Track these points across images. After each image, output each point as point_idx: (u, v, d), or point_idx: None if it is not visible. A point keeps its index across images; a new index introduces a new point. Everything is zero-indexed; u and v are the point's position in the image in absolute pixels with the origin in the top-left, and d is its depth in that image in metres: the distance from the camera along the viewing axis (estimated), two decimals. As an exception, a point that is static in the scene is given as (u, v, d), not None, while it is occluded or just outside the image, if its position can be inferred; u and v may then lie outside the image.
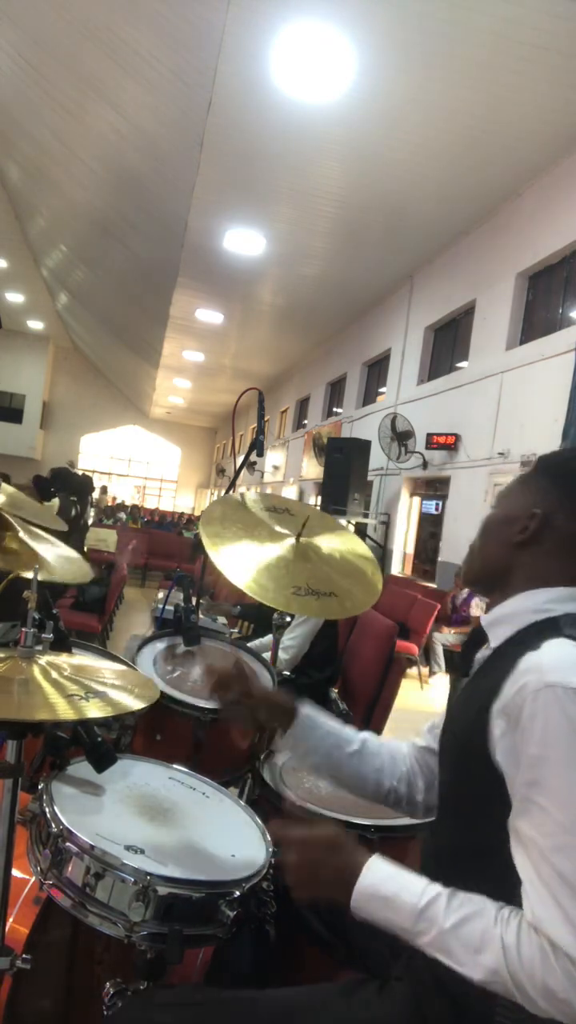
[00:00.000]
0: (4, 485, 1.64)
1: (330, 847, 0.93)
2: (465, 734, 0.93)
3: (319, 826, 0.97)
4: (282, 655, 2.85)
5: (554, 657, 0.85)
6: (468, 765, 0.93)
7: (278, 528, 1.84)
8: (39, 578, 1.10)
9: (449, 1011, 0.88)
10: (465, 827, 0.94)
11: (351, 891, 0.88)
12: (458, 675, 1.08)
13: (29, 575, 1.11)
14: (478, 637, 1.03)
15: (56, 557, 1.60)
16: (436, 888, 0.86)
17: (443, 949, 0.81)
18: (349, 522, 9.74)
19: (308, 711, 1.20)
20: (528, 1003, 0.76)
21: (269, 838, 1.18)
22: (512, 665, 0.88)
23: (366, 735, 1.22)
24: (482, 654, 1.02)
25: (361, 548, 2.01)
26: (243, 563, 1.65)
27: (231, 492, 2.01)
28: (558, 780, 0.79)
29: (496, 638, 0.98)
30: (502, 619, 0.98)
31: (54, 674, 1.04)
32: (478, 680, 0.98)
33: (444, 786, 1.05)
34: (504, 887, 0.84)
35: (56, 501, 5.91)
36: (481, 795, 0.90)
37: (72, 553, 1.70)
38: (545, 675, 0.83)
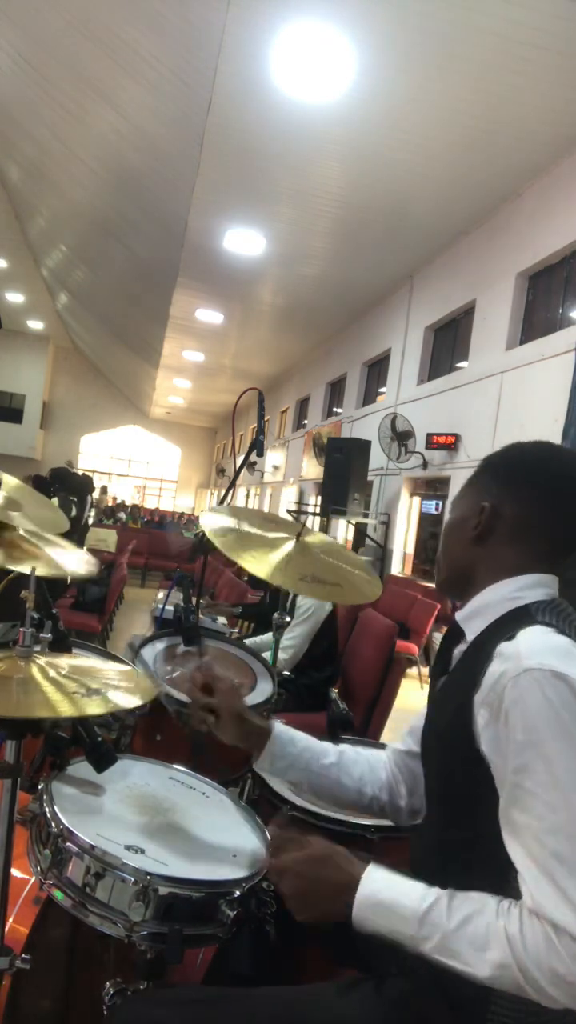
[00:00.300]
0: (6, 478, 1.63)
1: (322, 863, 0.93)
2: (449, 729, 0.94)
3: (308, 844, 0.96)
4: (281, 654, 2.85)
5: (529, 643, 0.87)
6: (454, 759, 0.93)
7: (274, 534, 1.84)
8: (43, 574, 1.10)
9: (446, 1008, 0.89)
10: (455, 821, 0.95)
11: (351, 904, 0.88)
12: (437, 673, 1.09)
13: (28, 571, 1.11)
14: (454, 634, 1.05)
15: (59, 552, 1.60)
16: (435, 892, 0.86)
17: (449, 951, 0.81)
18: (349, 522, 9.75)
19: (282, 728, 1.20)
20: (539, 993, 0.76)
21: (269, 837, 1.18)
22: (489, 655, 0.89)
23: (343, 747, 1.22)
24: (459, 649, 1.03)
25: (354, 557, 2.02)
26: (251, 551, 1.67)
27: (227, 501, 2.01)
28: (545, 763, 0.80)
29: (472, 631, 1.00)
30: (475, 612, 1.01)
31: (52, 673, 1.04)
32: (457, 675, 0.99)
33: (431, 783, 1.05)
34: (497, 877, 0.84)
35: (55, 501, 5.91)
36: (469, 787, 0.90)
37: (75, 548, 1.70)
38: (522, 661, 0.84)
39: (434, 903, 0.84)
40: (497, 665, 0.87)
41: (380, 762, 1.21)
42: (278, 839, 1.00)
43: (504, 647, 0.88)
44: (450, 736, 0.94)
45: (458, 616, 1.04)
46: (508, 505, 1.01)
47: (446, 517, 1.18)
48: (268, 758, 1.18)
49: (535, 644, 0.86)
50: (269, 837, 1.02)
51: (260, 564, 1.64)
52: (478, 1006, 0.86)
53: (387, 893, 0.88)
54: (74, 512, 6.30)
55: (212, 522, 1.77)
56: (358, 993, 0.95)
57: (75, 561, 1.63)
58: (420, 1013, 0.91)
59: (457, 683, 0.96)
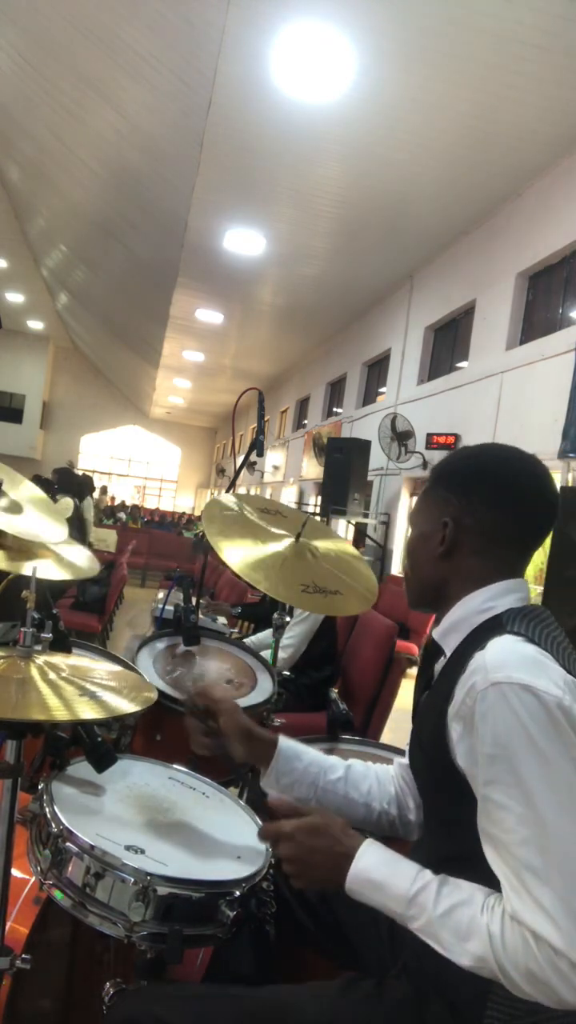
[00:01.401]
0: (13, 476, 1.62)
1: (321, 833, 0.95)
2: (430, 742, 0.95)
3: (309, 812, 0.98)
4: (280, 654, 2.84)
5: (497, 654, 0.87)
6: (438, 774, 0.95)
7: (274, 529, 1.84)
8: (47, 575, 1.10)
9: (445, 1008, 0.90)
10: (448, 835, 0.97)
11: (345, 875, 0.91)
12: (420, 688, 1.09)
13: (30, 572, 1.11)
14: (433, 650, 1.05)
15: (64, 551, 1.60)
16: (427, 876, 0.88)
17: (432, 935, 0.85)
18: (349, 522, 9.74)
19: (288, 742, 1.19)
20: (512, 986, 0.79)
21: (264, 835, 1.18)
22: (463, 668, 0.90)
23: (351, 761, 1.21)
24: (440, 664, 1.03)
25: (350, 548, 2.02)
26: (252, 561, 1.66)
27: (230, 491, 2.01)
28: (513, 776, 0.81)
29: (449, 647, 1.00)
30: (451, 628, 1.01)
31: (52, 674, 1.04)
32: (437, 688, 1.00)
33: (422, 798, 1.07)
34: (492, 887, 0.85)
35: (69, 502, 5.91)
36: (454, 804, 0.92)
37: (78, 548, 1.70)
38: (490, 674, 0.85)
39: (424, 887, 0.87)
40: (467, 678, 0.88)
41: (388, 776, 1.20)
42: (280, 806, 1.01)
43: (475, 659, 0.89)
44: (432, 751, 0.95)
45: (434, 634, 1.04)
46: (468, 517, 1.01)
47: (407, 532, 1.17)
48: (274, 775, 1.17)
49: (503, 655, 0.86)
50: (270, 804, 1.03)
51: (269, 583, 1.62)
52: (476, 1007, 0.87)
53: (380, 871, 0.90)
54: (74, 512, 6.30)
55: (211, 524, 1.76)
56: (358, 993, 0.96)
57: (80, 558, 1.63)
58: (420, 1014, 0.91)
59: (436, 697, 0.97)
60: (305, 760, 1.18)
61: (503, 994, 0.84)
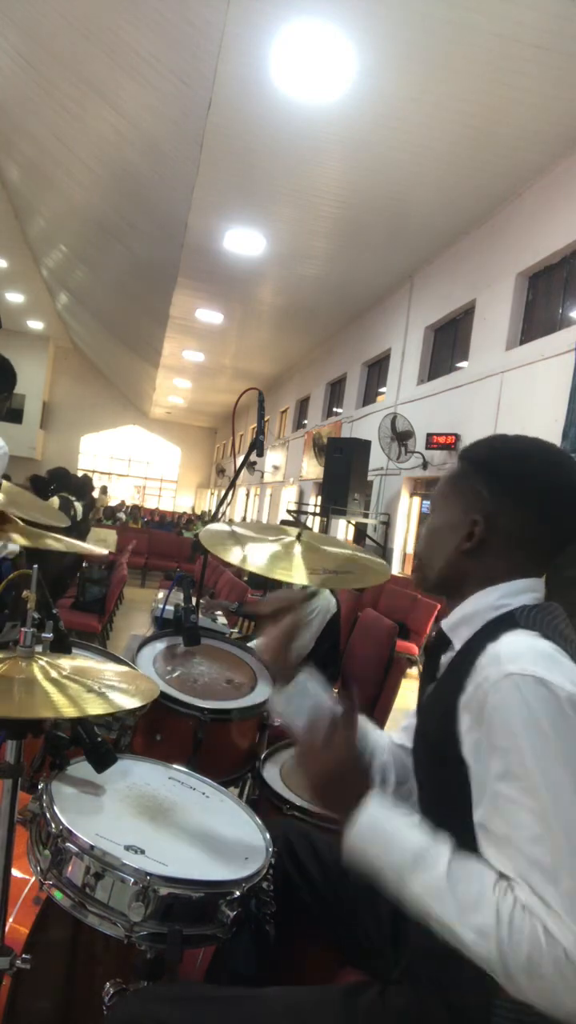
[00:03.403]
0: (3, 483, 1.64)
1: (349, 768, 0.95)
2: (435, 734, 0.94)
3: (345, 747, 0.98)
4: (283, 655, 2.85)
5: (511, 647, 0.86)
6: (441, 764, 0.93)
7: (275, 537, 1.84)
8: (57, 548, 1.10)
9: (448, 1013, 0.88)
10: (445, 826, 0.94)
11: (351, 816, 0.89)
12: (426, 681, 1.08)
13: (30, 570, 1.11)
14: (441, 641, 1.04)
15: (62, 546, 1.60)
16: (441, 837, 0.86)
17: (436, 896, 0.80)
18: (349, 522, 9.74)
19: (307, 678, 1.25)
20: (506, 977, 0.75)
21: (269, 837, 1.18)
22: (474, 661, 0.89)
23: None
24: (447, 657, 1.02)
25: (354, 546, 2.03)
26: (257, 554, 1.67)
27: (227, 501, 2.01)
28: (524, 770, 0.79)
29: (459, 640, 0.99)
30: (461, 621, 1.00)
31: (54, 673, 1.04)
32: (445, 681, 0.98)
33: (421, 788, 1.05)
34: None
35: (55, 500, 5.91)
36: (457, 793, 0.90)
37: (75, 542, 1.71)
38: (504, 665, 0.83)
39: (436, 845, 0.84)
40: (480, 670, 0.87)
41: (380, 746, 1.22)
42: (333, 724, 1.01)
43: (487, 651, 0.88)
44: (437, 742, 0.93)
45: (444, 625, 1.03)
46: (503, 518, 0.98)
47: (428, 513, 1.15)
48: (284, 696, 1.24)
49: (518, 648, 0.85)
50: (336, 714, 1.04)
51: (288, 572, 1.64)
52: (480, 1014, 0.85)
53: (391, 821, 0.88)
54: (72, 512, 6.30)
55: (225, 550, 1.76)
56: (363, 1000, 0.95)
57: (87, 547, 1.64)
58: (425, 1019, 0.90)
59: (444, 689, 0.96)
60: (311, 701, 1.23)
61: (508, 1001, 0.81)
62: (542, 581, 1.00)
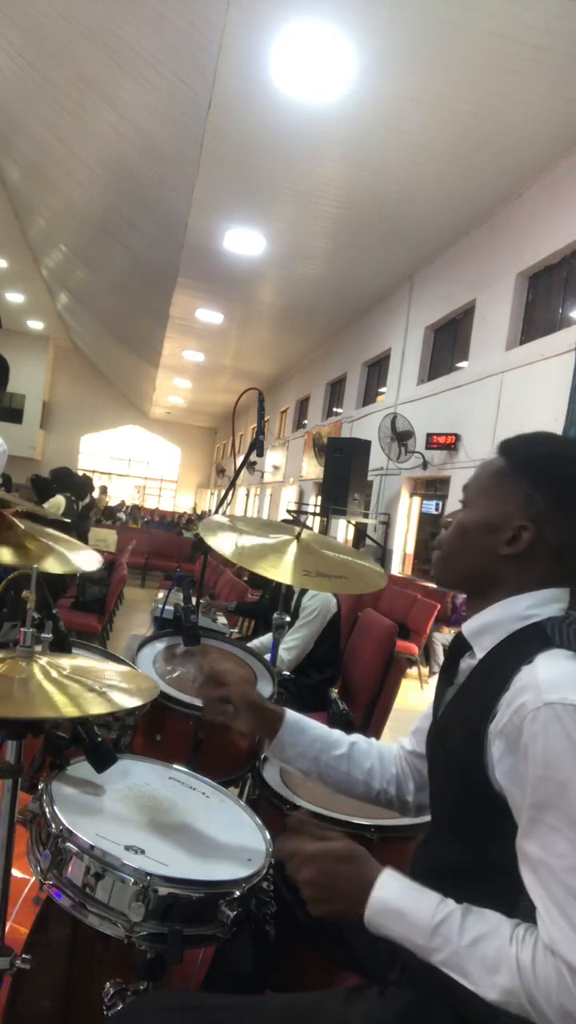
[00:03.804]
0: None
1: (344, 860, 0.91)
2: (460, 753, 0.92)
3: (331, 838, 0.95)
4: (285, 655, 2.85)
5: (550, 673, 0.83)
6: (465, 785, 0.92)
7: (274, 535, 1.85)
8: (49, 569, 1.10)
9: (451, 1018, 0.88)
10: (464, 845, 0.94)
11: (365, 904, 0.87)
12: (444, 683, 1.07)
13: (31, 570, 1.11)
14: (461, 645, 1.02)
15: (65, 549, 1.60)
16: (450, 904, 0.84)
17: (457, 968, 0.80)
18: (349, 522, 9.74)
19: (295, 716, 1.20)
20: (544, 1022, 0.75)
21: (269, 837, 1.18)
22: (506, 682, 0.86)
23: (355, 738, 1.22)
24: (467, 663, 1.00)
25: (355, 551, 2.03)
26: (250, 551, 1.67)
27: (227, 502, 2.02)
28: (565, 801, 0.78)
29: (481, 648, 0.97)
30: (485, 628, 0.97)
31: (54, 673, 1.04)
32: (468, 692, 0.97)
33: (438, 799, 1.04)
34: (504, 904, 0.83)
35: (61, 499, 5.91)
36: (480, 815, 0.89)
37: (78, 543, 1.71)
38: (543, 693, 0.81)
39: (447, 916, 0.83)
40: (515, 695, 0.84)
41: (391, 755, 1.21)
42: (301, 826, 0.98)
43: (522, 675, 0.85)
44: (461, 761, 0.91)
45: (465, 630, 1.01)
46: (550, 528, 0.94)
47: (457, 508, 1.10)
48: (279, 746, 1.18)
49: (556, 675, 0.83)
50: (291, 825, 1.00)
51: (275, 569, 1.65)
52: (485, 1019, 0.85)
53: (401, 900, 0.86)
54: (75, 511, 6.31)
55: (218, 540, 1.77)
56: (363, 1003, 0.94)
57: (82, 558, 1.63)
58: (426, 1022, 0.90)
59: (469, 704, 0.94)
60: (310, 735, 1.19)
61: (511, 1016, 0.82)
62: (567, 592, 0.97)
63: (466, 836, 0.93)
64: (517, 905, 0.82)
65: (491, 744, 0.86)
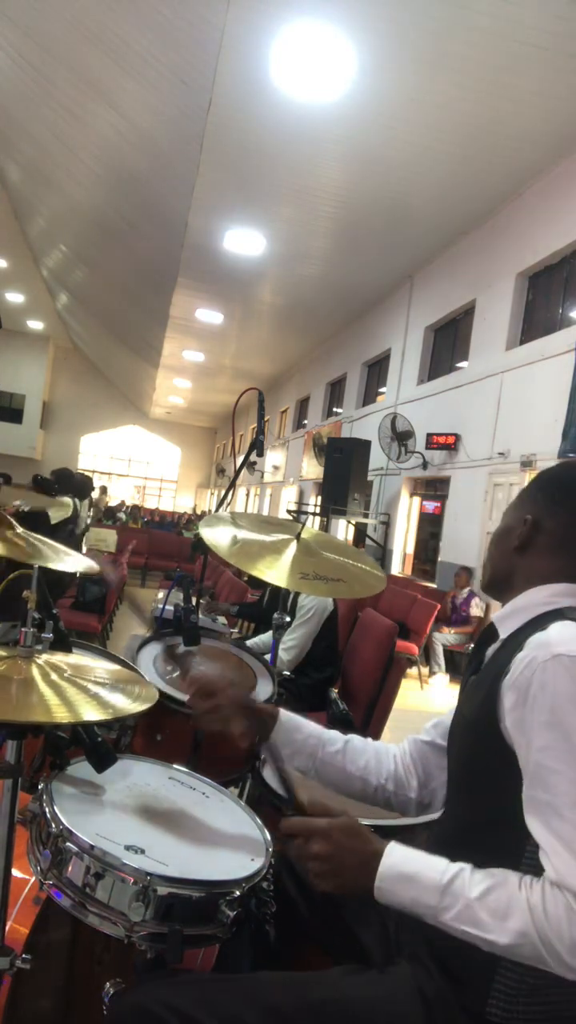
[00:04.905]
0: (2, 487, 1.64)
1: (353, 834, 0.95)
2: (476, 713, 0.98)
3: (337, 813, 0.98)
4: (284, 655, 2.85)
5: (560, 633, 0.90)
6: (479, 740, 0.97)
7: (274, 535, 1.84)
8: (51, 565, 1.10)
9: (449, 986, 0.91)
10: (477, 802, 0.98)
11: (374, 875, 0.91)
12: (470, 673, 1.11)
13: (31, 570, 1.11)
14: (488, 635, 1.08)
15: (58, 552, 1.60)
16: (458, 864, 0.88)
17: (470, 920, 0.84)
18: (349, 522, 9.75)
19: (288, 715, 1.23)
20: (557, 962, 0.78)
21: (269, 837, 1.18)
22: (520, 645, 0.93)
23: (351, 736, 1.24)
24: (492, 648, 1.05)
25: (356, 551, 2.03)
26: (248, 553, 1.67)
27: (227, 502, 2.02)
28: (567, 742, 0.83)
29: (506, 630, 1.03)
30: (512, 613, 1.04)
31: (53, 675, 1.04)
32: (488, 668, 1.02)
33: (454, 770, 1.08)
34: (517, 857, 0.88)
35: (68, 500, 5.91)
36: (490, 770, 0.94)
37: (74, 551, 1.71)
38: (553, 647, 0.88)
39: (457, 874, 0.87)
40: (527, 652, 0.91)
41: (388, 753, 1.23)
42: (311, 805, 1.01)
43: (536, 636, 0.92)
44: (476, 721, 0.97)
45: (494, 617, 1.08)
46: (549, 520, 1.06)
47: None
48: (273, 745, 1.21)
49: (566, 634, 0.90)
50: (303, 800, 1.02)
51: (271, 571, 1.65)
52: (481, 983, 0.89)
53: (410, 865, 0.90)
54: (73, 512, 6.31)
55: (215, 535, 1.77)
56: (363, 976, 0.97)
57: (75, 564, 1.64)
58: (425, 994, 0.93)
59: (488, 674, 1.00)
60: (304, 732, 1.22)
61: (508, 972, 0.85)
62: None
63: (477, 795, 0.97)
64: (520, 861, 0.87)
65: (504, 697, 0.92)
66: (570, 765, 0.82)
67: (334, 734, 1.23)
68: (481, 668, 1.06)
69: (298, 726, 1.22)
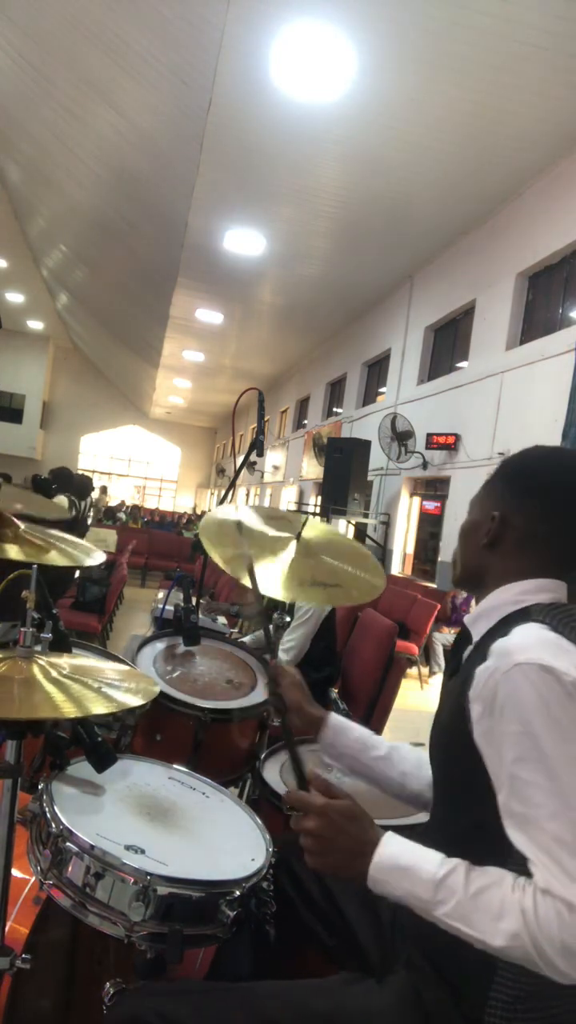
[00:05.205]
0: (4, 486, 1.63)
1: (350, 817, 0.95)
2: (449, 721, 0.98)
3: (342, 796, 0.98)
4: (284, 656, 2.85)
5: (521, 638, 0.90)
6: (454, 751, 0.97)
7: (276, 532, 1.83)
8: (50, 563, 1.10)
9: (448, 997, 0.91)
10: (458, 811, 0.98)
11: (368, 862, 0.91)
12: (448, 676, 1.12)
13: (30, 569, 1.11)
14: (465, 637, 1.08)
15: (65, 543, 1.59)
16: (453, 860, 0.88)
17: (463, 917, 0.84)
18: (349, 522, 9.75)
19: (337, 719, 1.30)
20: (548, 966, 0.78)
21: (271, 843, 1.18)
22: (485, 654, 0.93)
23: (397, 744, 1.29)
24: (467, 652, 1.06)
25: (357, 545, 2.01)
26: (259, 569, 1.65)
27: (228, 500, 2.00)
28: (539, 753, 0.83)
29: (477, 633, 1.03)
30: (482, 614, 1.04)
31: (54, 673, 1.04)
32: (461, 673, 1.02)
33: (436, 777, 1.09)
34: (504, 858, 0.87)
35: (64, 499, 5.91)
36: (468, 778, 0.94)
37: (80, 541, 1.69)
38: (513, 656, 0.87)
39: (452, 870, 0.87)
40: (490, 661, 0.90)
41: (427, 761, 1.24)
42: (314, 780, 1.01)
43: (497, 644, 0.91)
44: (450, 729, 0.97)
45: (466, 619, 1.08)
46: (517, 516, 1.04)
47: (464, 516, 1.20)
48: (326, 743, 1.28)
49: (526, 640, 0.89)
50: (309, 776, 1.02)
51: (267, 577, 1.62)
52: (479, 994, 0.88)
53: (406, 857, 0.90)
54: (74, 512, 6.30)
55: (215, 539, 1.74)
56: (361, 986, 0.97)
57: (83, 553, 1.62)
58: (424, 1005, 0.93)
59: (459, 680, 1.00)
60: (351, 736, 1.27)
61: (505, 980, 0.85)
62: (563, 585, 1.03)
63: (459, 801, 0.97)
64: (508, 860, 0.86)
65: (472, 707, 0.92)
66: (544, 776, 0.82)
67: (379, 740, 1.28)
68: (458, 671, 1.06)
69: (345, 730, 1.28)
